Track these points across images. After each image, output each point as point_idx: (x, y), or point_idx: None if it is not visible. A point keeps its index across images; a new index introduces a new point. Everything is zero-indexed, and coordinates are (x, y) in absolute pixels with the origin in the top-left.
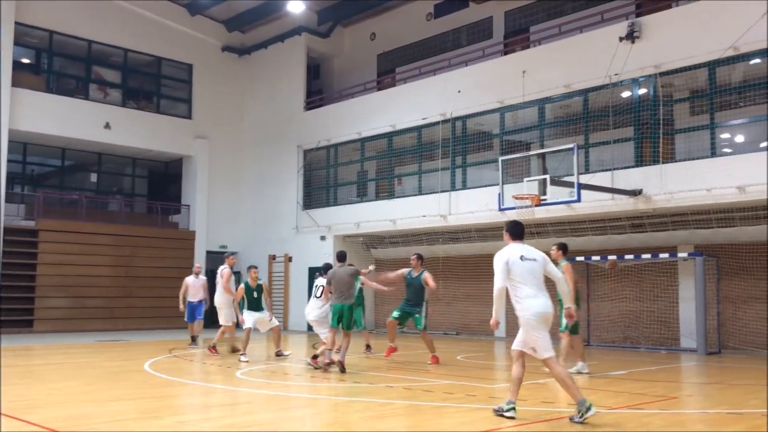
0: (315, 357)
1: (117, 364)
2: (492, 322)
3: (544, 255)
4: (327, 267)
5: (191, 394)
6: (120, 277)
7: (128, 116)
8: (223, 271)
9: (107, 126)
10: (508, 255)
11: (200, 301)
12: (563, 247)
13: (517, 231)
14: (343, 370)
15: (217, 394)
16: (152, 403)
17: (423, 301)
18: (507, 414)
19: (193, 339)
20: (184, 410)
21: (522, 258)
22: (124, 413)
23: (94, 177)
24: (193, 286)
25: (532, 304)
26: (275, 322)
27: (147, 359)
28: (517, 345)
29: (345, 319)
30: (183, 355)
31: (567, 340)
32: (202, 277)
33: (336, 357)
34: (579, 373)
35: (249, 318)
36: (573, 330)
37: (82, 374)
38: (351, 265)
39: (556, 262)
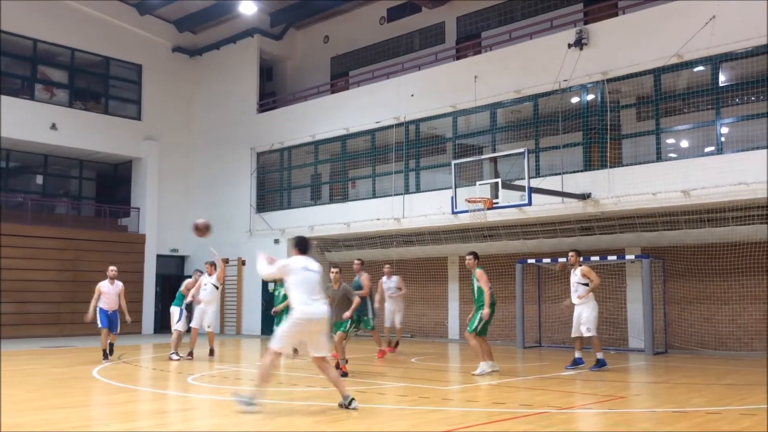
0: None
1: (63, 371)
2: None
3: (321, 267)
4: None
5: (141, 401)
6: (66, 281)
7: (75, 117)
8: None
9: (53, 127)
10: (291, 261)
11: (115, 311)
12: (475, 255)
13: (303, 246)
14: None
15: (168, 401)
16: (100, 411)
17: (366, 302)
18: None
19: (108, 349)
20: (133, 417)
21: (305, 268)
22: (69, 421)
23: (39, 179)
24: (108, 293)
25: (305, 309)
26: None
27: (95, 366)
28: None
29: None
30: (132, 361)
31: (475, 342)
32: (119, 283)
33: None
34: (483, 373)
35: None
36: (481, 332)
37: (26, 382)
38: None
39: (470, 270)
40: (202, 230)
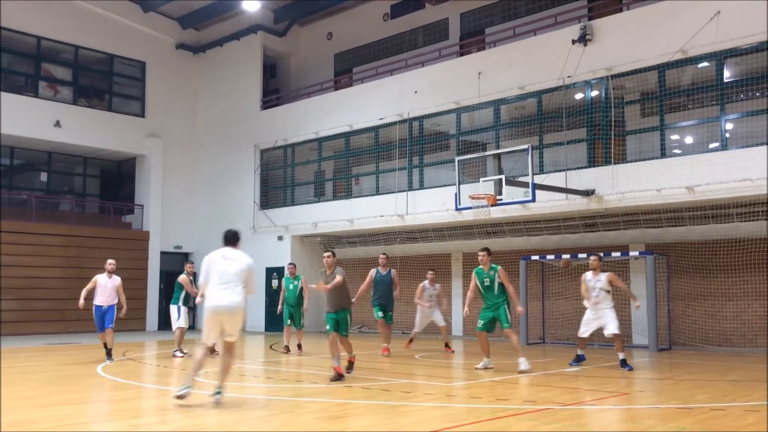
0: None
1: (67, 368)
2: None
3: (249, 262)
4: None
5: (145, 397)
6: (71, 278)
7: (79, 114)
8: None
9: (57, 124)
10: (210, 255)
11: (111, 306)
12: (489, 251)
13: (228, 237)
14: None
15: (172, 397)
16: (104, 407)
17: (392, 296)
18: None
19: (108, 352)
20: (136, 413)
21: (223, 257)
22: (73, 417)
23: (44, 176)
24: (105, 287)
25: (210, 300)
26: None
27: (99, 362)
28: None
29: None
30: (137, 358)
31: (516, 336)
32: (116, 278)
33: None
34: (486, 368)
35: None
36: (484, 327)
37: (30, 378)
38: None
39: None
40: None
